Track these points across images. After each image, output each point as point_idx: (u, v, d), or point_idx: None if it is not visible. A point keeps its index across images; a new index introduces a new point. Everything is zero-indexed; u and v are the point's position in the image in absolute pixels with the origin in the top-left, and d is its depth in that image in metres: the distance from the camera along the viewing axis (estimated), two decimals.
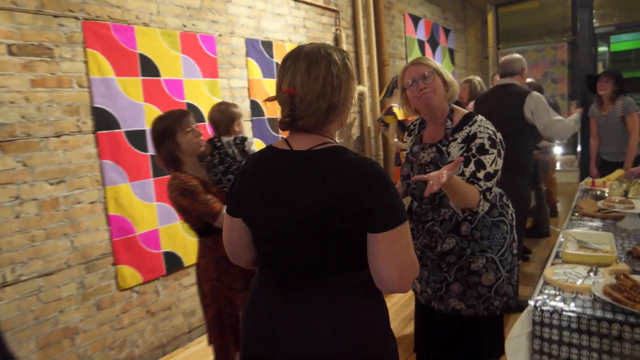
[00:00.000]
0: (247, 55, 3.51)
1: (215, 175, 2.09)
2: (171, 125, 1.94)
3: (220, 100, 3.28)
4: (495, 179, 1.65)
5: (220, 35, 3.30)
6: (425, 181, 1.46)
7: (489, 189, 1.62)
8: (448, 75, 1.80)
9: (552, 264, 1.78)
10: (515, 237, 1.87)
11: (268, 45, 3.70)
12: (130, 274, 2.77)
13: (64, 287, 2.48)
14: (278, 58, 3.78)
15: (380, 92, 4.95)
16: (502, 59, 3.14)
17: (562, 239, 2.07)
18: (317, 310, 1.08)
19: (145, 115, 2.80)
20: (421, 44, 6.23)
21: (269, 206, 1.13)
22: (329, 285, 1.10)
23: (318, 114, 1.09)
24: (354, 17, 4.78)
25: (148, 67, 2.83)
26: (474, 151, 1.64)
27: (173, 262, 2.99)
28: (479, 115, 1.75)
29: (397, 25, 5.65)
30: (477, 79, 4.20)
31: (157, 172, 2.86)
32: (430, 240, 1.80)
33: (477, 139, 1.66)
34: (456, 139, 1.72)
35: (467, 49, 8.08)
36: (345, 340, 1.07)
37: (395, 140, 4.51)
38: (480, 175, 1.61)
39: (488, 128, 1.69)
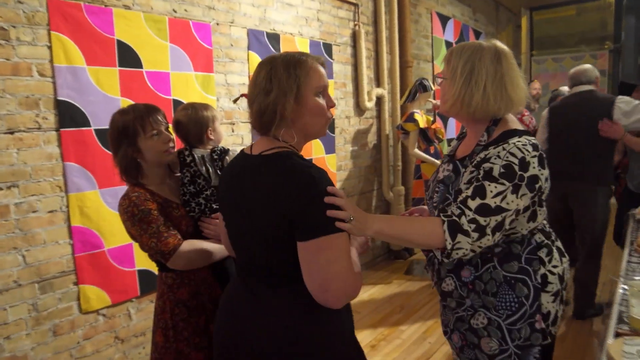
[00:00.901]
0: (249, 48, 3.10)
1: (184, 196, 1.61)
2: (132, 124, 1.49)
3: (214, 97, 2.88)
4: (496, 219, 1.19)
5: (217, 24, 2.90)
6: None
7: (477, 224, 1.18)
8: (474, 82, 1.30)
9: (618, 334, 1.30)
10: (549, 309, 1.34)
11: (274, 38, 3.29)
12: (96, 295, 2.38)
13: (12, 309, 2.10)
14: None
15: (401, 96, 4.49)
16: (573, 70, 3.16)
17: (622, 291, 1.58)
18: (280, 316, 1.12)
19: None
20: (449, 45, 5.74)
21: (232, 211, 1.21)
22: (288, 292, 1.13)
23: (255, 116, 1.15)
24: (376, 13, 4.33)
25: (128, 57, 2.45)
26: (480, 175, 1.25)
27: (150, 282, 2.59)
28: (522, 137, 1.29)
29: (423, 24, 5.18)
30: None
31: None
32: (432, 273, 1.49)
33: (489, 162, 1.25)
34: (475, 160, 1.32)
35: None
36: (307, 348, 1.11)
37: (416, 150, 4.05)
38: (472, 204, 1.19)
39: (515, 155, 1.23)
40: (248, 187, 1.13)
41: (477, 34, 6.60)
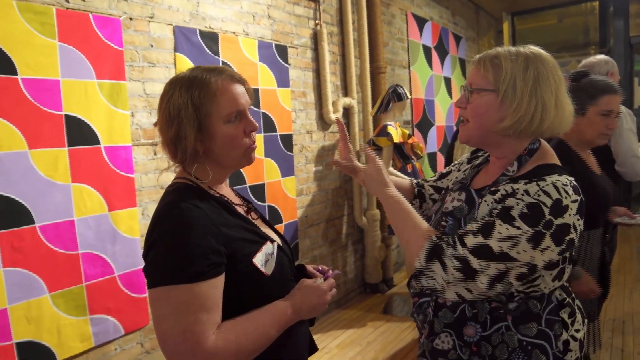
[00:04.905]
0: (177, 49, 2.49)
1: None
2: None
3: (127, 112, 2.26)
4: (497, 267, 1.02)
5: (131, 18, 2.29)
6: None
7: (465, 264, 1.04)
8: (526, 93, 1.08)
9: None
10: None
11: (211, 38, 2.68)
12: None
13: None
14: (227, 56, 2.76)
15: (373, 106, 3.92)
16: None
17: None
18: None
19: None
20: (427, 50, 5.21)
21: None
22: None
23: (165, 151, 1.04)
24: (341, 11, 3.77)
25: None
26: (495, 213, 1.06)
27: (36, 358, 1.94)
28: (562, 175, 1.08)
29: (397, 25, 4.64)
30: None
31: (6, 223, 1.84)
32: (422, 323, 1.23)
33: (514, 198, 1.04)
34: (497, 191, 1.12)
35: None
36: None
37: (391, 169, 3.47)
38: (470, 240, 1.04)
39: (549, 195, 1.02)
40: None
41: (458, 39, 6.11)
